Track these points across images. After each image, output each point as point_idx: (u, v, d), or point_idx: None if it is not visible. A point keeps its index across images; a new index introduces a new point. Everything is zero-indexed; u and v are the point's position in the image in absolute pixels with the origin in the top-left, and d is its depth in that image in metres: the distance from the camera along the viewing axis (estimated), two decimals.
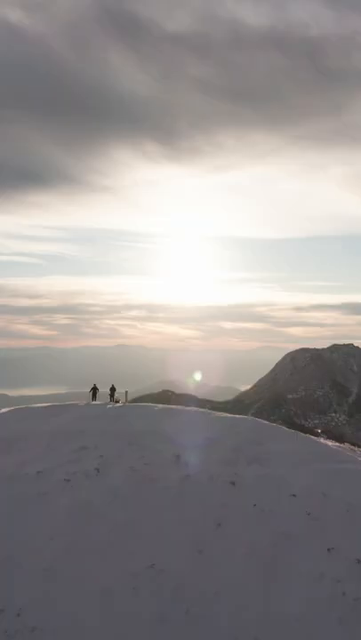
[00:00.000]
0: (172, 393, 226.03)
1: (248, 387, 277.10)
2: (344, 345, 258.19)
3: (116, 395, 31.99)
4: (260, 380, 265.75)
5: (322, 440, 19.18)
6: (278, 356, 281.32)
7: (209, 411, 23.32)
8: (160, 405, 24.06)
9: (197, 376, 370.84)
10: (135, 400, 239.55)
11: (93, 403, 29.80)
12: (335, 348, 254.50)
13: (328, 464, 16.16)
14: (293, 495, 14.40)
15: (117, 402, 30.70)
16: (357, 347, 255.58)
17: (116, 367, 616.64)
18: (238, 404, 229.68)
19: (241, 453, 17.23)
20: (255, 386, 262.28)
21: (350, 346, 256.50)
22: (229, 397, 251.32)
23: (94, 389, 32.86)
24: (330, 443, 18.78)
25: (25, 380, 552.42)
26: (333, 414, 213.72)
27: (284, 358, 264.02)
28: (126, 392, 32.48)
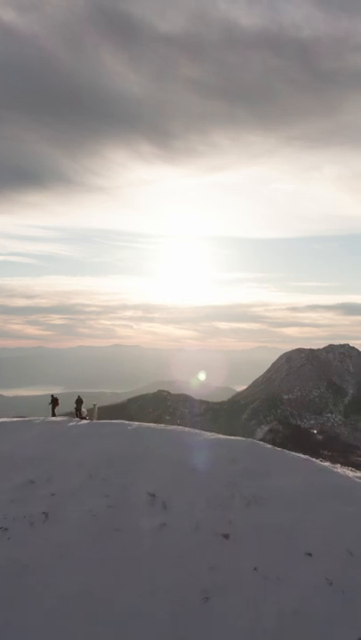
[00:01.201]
0: (168, 393, 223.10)
1: (244, 387, 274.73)
2: (340, 345, 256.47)
3: (83, 409, 26.48)
4: (255, 381, 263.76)
5: (339, 469, 14.98)
6: (274, 357, 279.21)
7: (196, 431, 18.30)
8: (135, 423, 19.38)
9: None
10: (131, 400, 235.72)
11: (52, 419, 24.30)
12: (331, 349, 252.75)
13: (353, 505, 12.06)
14: (308, 554, 10.41)
15: (84, 418, 25.52)
16: (353, 347, 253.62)
17: (111, 367, 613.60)
18: (234, 405, 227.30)
19: (237, 491, 12.91)
20: (251, 386, 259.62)
21: (346, 346, 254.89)
22: (225, 398, 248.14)
23: (54, 401, 27.15)
24: (350, 472, 14.61)
25: (20, 380, 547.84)
26: (329, 415, 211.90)
27: (280, 358, 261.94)
28: (95, 405, 27.25)
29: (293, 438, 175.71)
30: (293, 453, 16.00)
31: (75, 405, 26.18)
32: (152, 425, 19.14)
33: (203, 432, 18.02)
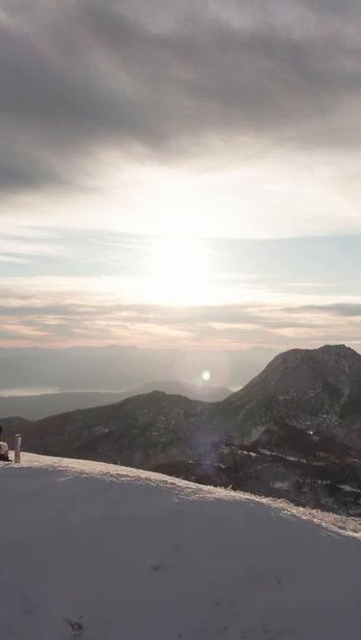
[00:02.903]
0: (163, 394, 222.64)
1: (239, 388, 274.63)
2: (336, 346, 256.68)
3: (2, 443, 13.30)
4: (251, 381, 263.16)
5: None
6: (269, 357, 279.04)
7: (168, 484, 7.70)
8: (76, 469, 8.57)
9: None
10: (126, 401, 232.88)
11: None
12: (327, 349, 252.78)
13: None
14: None
15: (3, 456, 14.25)
16: (349, 347, 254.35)
17: (107, 368, 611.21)
18: (230, 406, 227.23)
19: (234, 614, 4.40)
20: (246, 387, 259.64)
21: (342, 347, 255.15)
22: (221, 399, 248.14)
23: None
24: None
25: (16, 380, 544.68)
26: (325, 415, 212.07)
27: (276, 359, 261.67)
28: (18, 437, 14.15)
29: (289, 439, 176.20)
30: (327, 530, 6.66)
31: None
32: (100, 474, 8.24)
33: (179, 487, 7.83)
